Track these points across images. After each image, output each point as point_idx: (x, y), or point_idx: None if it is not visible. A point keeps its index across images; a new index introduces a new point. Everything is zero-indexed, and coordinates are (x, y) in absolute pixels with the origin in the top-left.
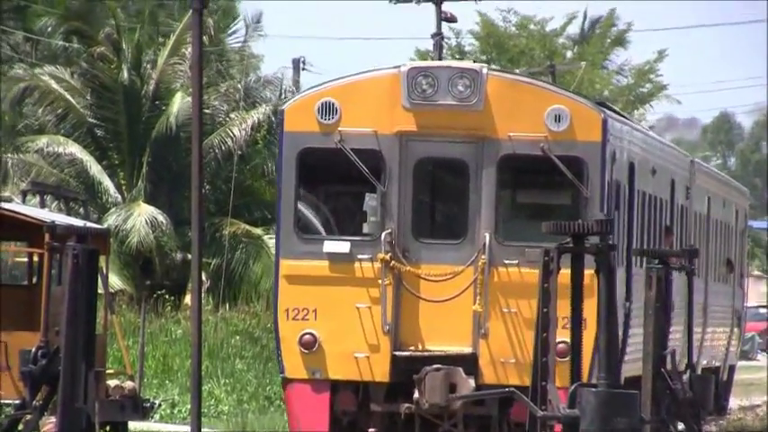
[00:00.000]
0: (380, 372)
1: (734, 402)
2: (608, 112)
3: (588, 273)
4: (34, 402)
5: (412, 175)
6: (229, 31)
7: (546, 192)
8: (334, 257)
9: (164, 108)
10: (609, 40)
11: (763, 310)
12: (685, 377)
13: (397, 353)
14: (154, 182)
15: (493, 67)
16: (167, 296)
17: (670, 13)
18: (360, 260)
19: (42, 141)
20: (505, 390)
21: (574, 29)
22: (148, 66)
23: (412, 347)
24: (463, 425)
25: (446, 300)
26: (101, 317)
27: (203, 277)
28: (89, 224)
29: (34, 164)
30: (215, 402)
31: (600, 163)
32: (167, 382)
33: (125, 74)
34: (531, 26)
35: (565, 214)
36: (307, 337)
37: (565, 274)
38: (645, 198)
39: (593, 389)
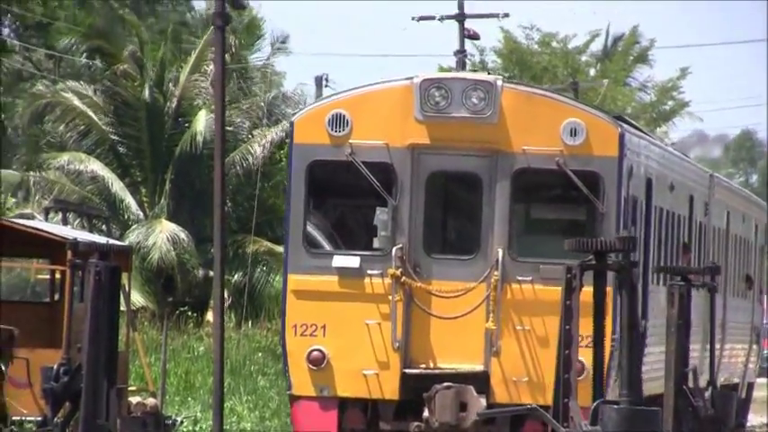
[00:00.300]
0: (390, 389)
1: (756, 419)
2: (625, 126)
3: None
4: (56, 419)
5: (424, 188)
6: (254, 49)
7: (561, 207)
8: (343, 272)
9: (186, 125)
10: (632, 58)
11: None
12: (707, 394)
13: (407, 370)
14: (176, 199)
15: (508, 78)
16: (189, 313)
17: (693, 29)
18: (370, 275)
19: (64, 158)
20: (527, 407)
21: (597, 46)
22: (171, 83)
23: (422, 365)
24: None
25: (458, 317)
26: (123, 334)
27: (225, 294)
28: (111, 241)
29: (56, 181)
30: (237, 419)
31: (617, 178)
32: (189, 399)
33: (147, 91)
34: (554, 43)
35: (580, 230)
36: (315, 353)
37: (584, 291)
38: (662, 214)
39: (616, 406)
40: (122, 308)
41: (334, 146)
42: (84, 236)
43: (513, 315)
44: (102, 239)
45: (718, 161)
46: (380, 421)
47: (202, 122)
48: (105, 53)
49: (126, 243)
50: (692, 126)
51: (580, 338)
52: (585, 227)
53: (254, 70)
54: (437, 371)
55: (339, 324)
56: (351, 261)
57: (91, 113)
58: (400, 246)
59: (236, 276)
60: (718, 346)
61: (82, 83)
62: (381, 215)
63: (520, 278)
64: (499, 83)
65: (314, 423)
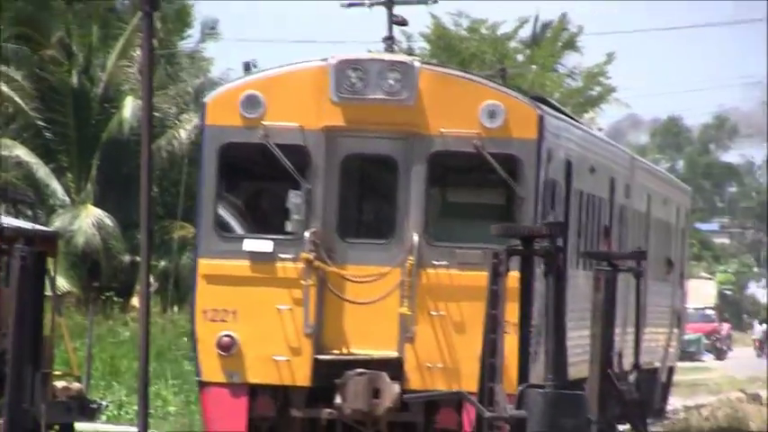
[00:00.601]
0: (301, 376)
1: (679, 402)
2: (545, 108)
3: (513, 276)
4: None
5: (338, 171)
6: (182, 35)
7: (478, 191)
8: (255, 257)
9: (113, 111)
10: (560, 44)
11: (710, 312)
12: (631, 378)
13: (319, 356)
14: (102, 185)
15: (425, 60)
16: (115, 298)
17: (622, 16)
18: (282, 260)
19: None
20: (453, 391)
21: (525, 32)
22: (98, 69)
23: (335, 351)
24: (387, 431)
25: (372, 302)
26: (48, 319)
27: (151, 279)
28: (37, 227)
29: None
30: (162, 403)
31: (535, 161)
32: (114, 383)
33: (75, 77)
34: (483, 30)
35: (498, 214)
36: (225, 339)
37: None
38: (582, 197)
39: (541, 390)
40: (48, 293)
41: (247, 128)
42: (10, 221)
43: (429, 300)
44: (27, 225)
45: (644, 147)
46: (291, 408)
47: (129, 108)
48: (32, 39)
49: (52, 228)
50: (620, 113)
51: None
52: (503, 211)
53: (182, 56)
54: (350, 357)
55: (250, 309)
56: (263, 245)
57: (17, 98)
58: (314, 230)
59: (162, 263)
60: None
61: (10, 68)
62: (295, 198)
63: (435, 263)
64: (417, 64)
65: (223, 410)
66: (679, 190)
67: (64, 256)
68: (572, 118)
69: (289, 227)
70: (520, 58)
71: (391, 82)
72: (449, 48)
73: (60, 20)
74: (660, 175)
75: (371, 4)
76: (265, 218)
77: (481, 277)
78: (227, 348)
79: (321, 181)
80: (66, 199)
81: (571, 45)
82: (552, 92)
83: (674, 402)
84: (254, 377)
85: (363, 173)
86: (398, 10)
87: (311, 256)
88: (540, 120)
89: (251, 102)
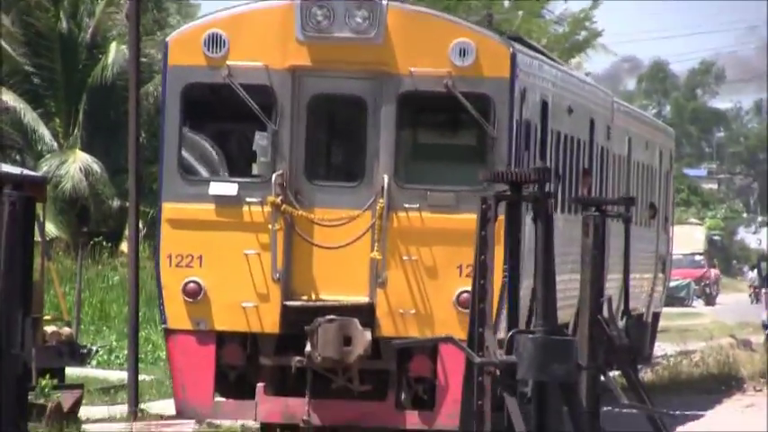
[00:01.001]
0: (270, 323)
1: (671, 348)
2: (518, 46)
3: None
4: None
5: (306, 112)
6: None
7: (450, 131)
8: (220, 200)
9: (100, 57)
10: None
11: (698, 258)
12: (621, 324)
13: (287, 303)
14: (89, 130)
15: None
16: (104, 243)
17: None
18: (248, 203)
19: None
20: (442, 337)
21: None
22: (86, 15)
23: (304, 297)
24: (359, 380)
25: (341, 246)
26: (37, 264)
27: (140, 224)
28: (25, 172)
29: None
30: (152, 348)
31: (508, 100)
32: (104, 328)
33: (63, 23)
34: None
35: (470, 155)
36: (191, 285)
37: (468, 219)
38: (560, 138)
39: (531, 335)
40: (37, 238)
41: (210, 68)
42: None
43: (400, 244)
44: (15, 170)
45: (631, 93)
46: (260, 356)
47: (113, 53)
48: None
49: (40, 174)
50: (608, 59)
51: (470, 269)
52: (476, 152)
53: (170, 2)
54: (320, 303)
55: (216, 255)
56: (228, 188)
57: (4, 44)
58: (280, 172)
59: (152, 210)
60: (619, 275)
61: None
62: (261, 140)
63: (407, 206)
64: (384, 1)
65: (190, 358)
66: (662, 133)
67: (52, 201)
68: (550, 58)
69: (255, 169)
70: (506, 4)
71: (359, 20)
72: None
73: None
74: (642, 118)
75: None
76: (230, 160)
77: (453, 220)
78: (194, 295)
79: (287, 122)
80: (54, 144)
81: None
82: (539, 38)
83: (665, 348)
84: (221, 324)
85: (331, 114)
86: None
87: (278, 199)
88: (513, 57)
89: (214, 41)
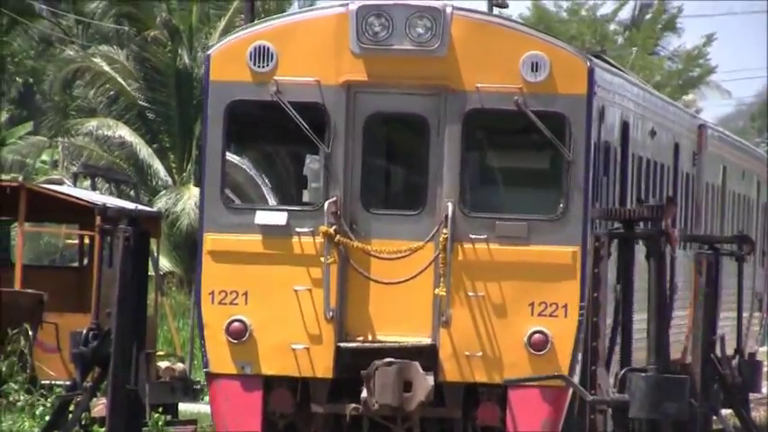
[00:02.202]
0: (322, 367)
1: None
2: (596, 61)
3: (569, 250)
4: (85, 384)
5: (362, 133)
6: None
7: (521, 154)
8: (268, 231)
9: None
10: (660, 26)
11: None
12: (734, 362)
13: (342, 344)
14: None
15: (459, 6)
16: None
17: None
18: (299, 234)
19: (93, 124)
20: (555, 375)
21: (625, 14)
22: (200, 49)
23: (360, 338)
24: (420, 429)
25: (401, 281)
26: (151, 299)
27: None
28: (140, 207)
29: (85, 147)
30: None
31: (585, 120)
32: None
33: (180, 58)
34: (583, 12)
35: (543, 180)
36: (235, 324)
37: (541, 252)
38: (642, 163)
39: (644, 373)
40: (151, 273)
41: (256, 83)
42: (113, 201)
43: (466, 279)
44: (131, 205)
45: (744, 129)
46: (312, 403)
47: None
48: (134, 18)
49: (155, 209)
50: (721, 100)
51: (543, 307)
52: (549, 176)
53: None
54: (377, 345)
55: (263, 291)
56: (277, 217)
57: (120, 79)
58: (334, 199)
59: None
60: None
61: (113, 47)
62: (312, 164)
63: (473, 236)
64: (449, 10)
65: (235, 405)
66: (760, 161)
67: (166, 236)
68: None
69: (306, 196)
70: (620, 40)
71: (420, 30)
72: (548, 30)
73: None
74: (737, 145)
75: None
76: (279, 186)
77: (525, 253)
78: (239, 335)
79: (342, 144)
80: (169, 179)
81: (671, 26)
82: (653, 75)
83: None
84: (269, 368)
85: (390, 134)
86: None
87: (332, 229)
88: (591, 73)
89: (261, 54)
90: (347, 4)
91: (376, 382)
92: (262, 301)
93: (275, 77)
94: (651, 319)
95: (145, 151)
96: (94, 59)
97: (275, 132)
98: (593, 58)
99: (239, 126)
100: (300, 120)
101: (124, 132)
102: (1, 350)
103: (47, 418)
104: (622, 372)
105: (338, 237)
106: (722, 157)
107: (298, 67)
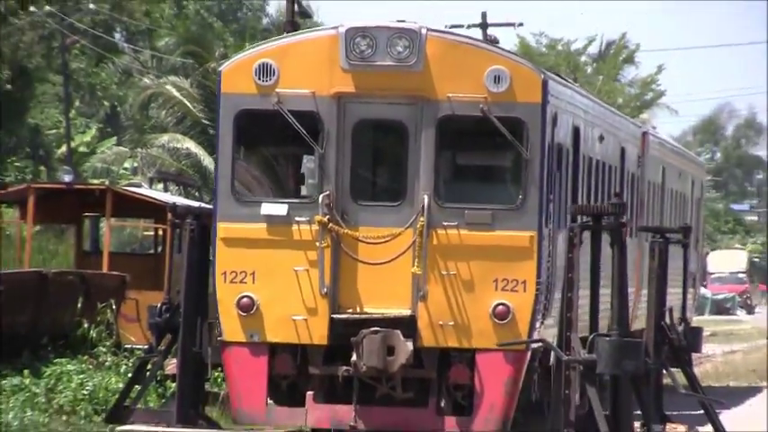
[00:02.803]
0: (318, 335)
1: (718, 348)
2: (549, 73)
3: (527, 235)
4: (159, 348)
5: (350, 137)
6: None
7: (485, 154)
8: (271, 220)
9: None
10: (621, 59)
11: (741, 275)
12: (680, 329)
13: (335, 316)
14: None
15: (432, 27)
16: None
17: (675, 31)
18: (297, 223)
19: (165, 138)
20: (538, 339)
21: (593, 49)
22: None
23: (350, 310)
24: (402, 388)
25: (385, 262)
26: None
27: None
28: (203, 205)
29: (159, 156)
30: None
31: (540, 125)
32: None
33: None
34: (559, 47)
35: (505, 176)
36: (244, 300)
37: (503, 236)
38: (592, 164)
39: (608, 338)
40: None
41: (261, 95)
42: (181, 201)
43: (440, 260)
44: (195, 204)
45: (689, 142)
46: (310, 366)
47: None
48: (198, 54)
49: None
50: (670, 116)
51: (505, 283)
52: (510, 173)
53: None
54: (365, 316)
55: (268, 271)
56: (279, 209)
57: (187, 102)
58: (327, 193)
59: None
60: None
61: (180, 77)
62: (308, 163)
63: (446, 223)
64: (424, 31)
65: (245, 368)
66: (694, 163)
67: None
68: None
69: (303, 191)
70: (589, 70)
71: (399, 49)
72: (530, 61)
73: (220, 38)
74: (675, 150)
75: (470, 26)
76: (280, 182)
77: (489, 237)
78: (247, 309)
79: (333, 146)
80: None
81: (630, 60)
82: (616, 98)
83: (714, 349)
84: (273, 336)
85: (374, 137)
86: (492, 31)
87: (325, 218)
88: (545, 84)
89: (264, 70)
90: (338, 27)
91: (364, 348)
92: (267, 279)
93: (277, 90)
94: (614, 295)
95: (207, 160)
96: (166, 86)
97: (277, 137)
98: (546, 72)
99: (246, 131)
100: (298, 126)
101: (190, 145)
102: (92, 320)
103: (129, 375)
104: (591, 336)
105: (331, 225)
106: (662, 159)
107: (296, 81)
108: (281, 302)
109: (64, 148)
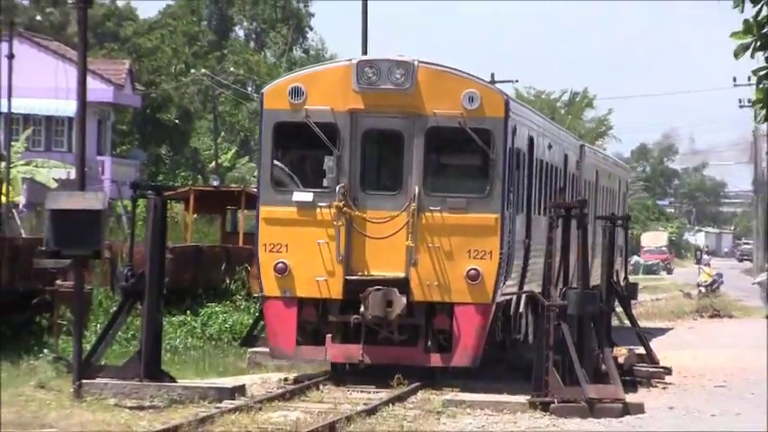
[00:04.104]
0: (335, 291)
1: (648, 297)
2: (510, 96)
3: (493, 216)
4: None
5: (360, 142)
6: None
7: (462, 155)
8: (300, 205)
9: None
10: (584, 104)
11: (664, 248)
12: (623, 284)
13: (348, 277)
14: None
15: (422, 59)
16: None
17: (625, 82)
18: (320, 207)
19: None
20: (527, 291)
21: (565, 97)
22: None
23: (359, 273)
24: (398, 332)
25: (385, 237)
26: None
27: None
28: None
29: None
30: None
31: (503, 133)
32: None
33: None
34: (543, 96)
35: (476, 172)
36: (280, 265)
37: (475, 217)
38: (543, 165)
39: (574, 289)
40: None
41: (293, 111)
42: None
43: (427, 235)
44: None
45: (628, 159)
46: (329, 315)
47: None
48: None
49: None
50: (616, 143)
51: (476, 253)
52: (480, 169)
53: None
54: (370, 277)
55: (298, 243)
56: (306, 196)
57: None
58: (342, 185)
59: None
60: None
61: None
62: (328, 162)
63: (431, 208)
64: (416, 62)
65: (279, 316)
66: (622, 168)
67: None
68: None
69: (324, 183)
70: (563, 111)
71: (397, 76)
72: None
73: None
74: (607, 158)
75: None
76: (307, 176)
77: (465, 218)
78: (282, 272)
79: (347, 149)
80: None
81: (590, 105)
82: (579, 130)
83: (646, 296)
84: (301, 292)
85: (378, 143)
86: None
87: (341, 204)
88: (506, 103)
89: (296, 91)
90: (351, 60)
91: (369, 302)
92: (296, 249)
93: (305, 107)
94: (580, 261)
95: None
96: None
97: (305, 142)
98: (508, 94)
99: (282, 138)
100: (321, 134)
101: None
102: (232, 278)
103: (256, 314)
104: (564, 289)
105: (345, 208)
106: (596, 164)
107: (319, 100)
108: (308, 267)
109: (213, 164)
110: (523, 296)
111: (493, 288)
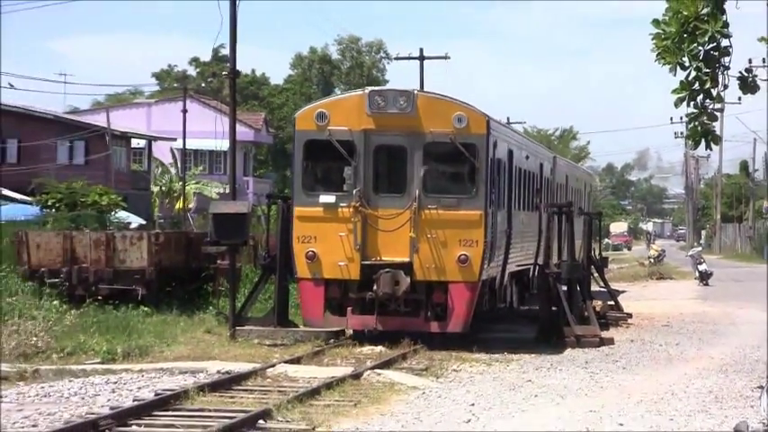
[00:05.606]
0: (354, 273)
1: (615, 266)
2: (491, 116)
3: (478, 213)
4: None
5: (372, 155)
6: None
7: (453, 164)
8: (326, 205)
9: None
10: (570, 137)
11: (625, 233)
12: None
13: (363, 262)
14: None
15: (420, 90)
16: None
17: (603, 117)
18: (341, 207)
19: None
20: (533, 262)
21: (557, 133)
22: None
23: (373, 259)
24: (404, 305)
25: (393, 230)
26: None
27: None
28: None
29: None
30: None
31: (485, 146)
32: None
33: None
34: (541, 132)
35: (464, 178)
36: (310, 252)
37: (464, 213)
38: (521, 172)
39: (566, 262)
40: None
41: (319, 131)
42: None
43: (426, 228)
44: None
45: (601, 174)
46: (349, 292)
47: None
48: None
49: None
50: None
51: (465, 241)
52: (468, 175)
53: None
54: (381, 262)
55: (324, 235)
56: (330, 198)
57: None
58: (359, 189)
59: None
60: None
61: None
62: (347, 171)
63: (430, 206)
64: (416, 92)
65: (310, 293)
66: (588, 174)
67: None
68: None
69: (345, 188)
70: (556, 142)
71: (402, 102)
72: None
73: None
74: (575, 166)
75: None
76: (331, 183)
77: (456, 214)
78: (312, 258)
79: (362, 161)
80: None
81: (574, 137)
82: (566, 155)
83: (612, 266)
84: (327, 275)
85: (387, 156)
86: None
87: (358, 204)
88: (488, 123)
89: (321, 115)
90: (364, 89)
91: (381, 281)
92: (323, 240)
93: (328, 128)
94: (568, 245)
95: None
96: None
97: (329, 156)
98: (489, 115)
99: (311, 153)
100: (341, 149)
101: None
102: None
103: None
104: (558, 261)
105: (361, 208)
106: (566, 171)
107: (339, 122)
108: (332, 254)
109: None
110: (507, 272)
111: (479, 269)
